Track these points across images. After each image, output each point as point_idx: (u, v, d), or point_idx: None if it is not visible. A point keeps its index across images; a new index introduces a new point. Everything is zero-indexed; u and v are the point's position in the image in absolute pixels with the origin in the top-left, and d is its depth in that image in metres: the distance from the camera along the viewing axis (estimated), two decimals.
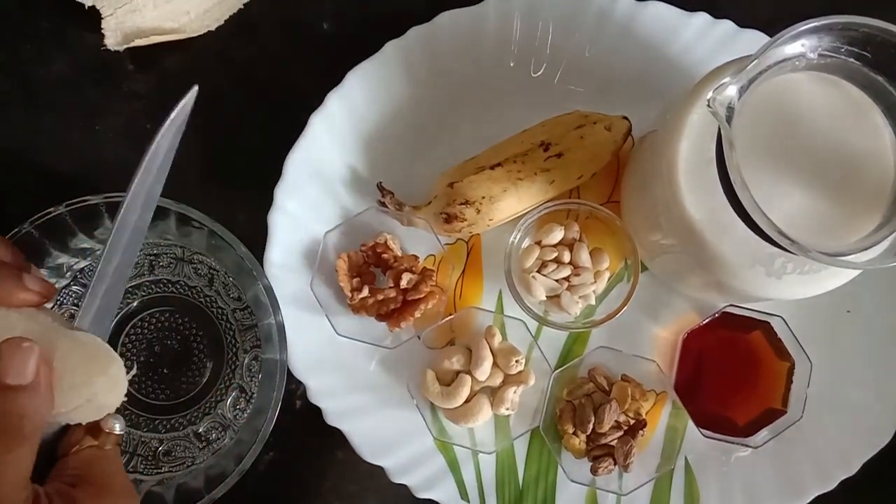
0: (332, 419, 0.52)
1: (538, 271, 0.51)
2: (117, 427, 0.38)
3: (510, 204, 0.50)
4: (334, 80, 0.53)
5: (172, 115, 0.41)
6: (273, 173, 0.52)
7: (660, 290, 0.54)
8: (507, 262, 0.51)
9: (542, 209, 0.51)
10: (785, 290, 0.43)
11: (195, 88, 0.41)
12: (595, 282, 0.52)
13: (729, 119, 0.37)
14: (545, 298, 0.52)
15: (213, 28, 0.56)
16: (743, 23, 0.54)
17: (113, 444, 0.38)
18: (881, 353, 0.54)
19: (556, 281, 0.51)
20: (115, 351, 0.42)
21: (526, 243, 0.52)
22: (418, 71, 0.54)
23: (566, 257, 0.52)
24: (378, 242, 0.52)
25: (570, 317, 0.52)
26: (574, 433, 0.52)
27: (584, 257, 0.52)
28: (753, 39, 0.54)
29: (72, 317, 0.45)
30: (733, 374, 0.53)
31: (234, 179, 0.56)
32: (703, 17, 0.54)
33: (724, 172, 0.39)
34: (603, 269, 0.52)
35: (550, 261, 0.51)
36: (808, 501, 0.52)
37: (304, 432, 0.54)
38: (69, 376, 0.35)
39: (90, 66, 0.56)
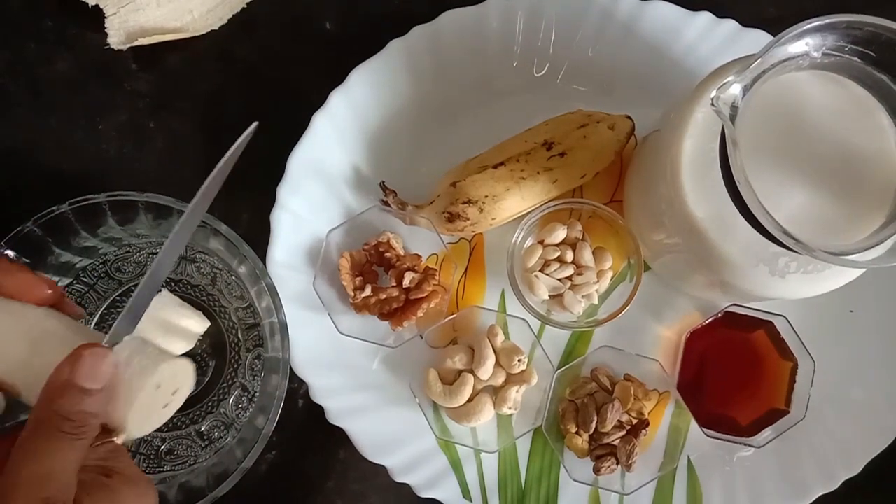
0: (335, 418, 0.52)
1: (541, 270, 0.51)
2: None
3: (513, 203, 0.50)
4: (337, 79, 0.53)
5: (234, 146, 0.43)
6: (276, 172, 0.52)
7: (663, 290, 0.54)
8: (510, 262, 0.51)
9: (544, 208, 0.51)
10: (788, 289, 0.43)
11: (255, 124, 0.42)
12: (598, 281, 0.52)
13: (733, 118, 0.37)
14: (548, 298, 0.51)
15: (216, 27, 0.56)
16: (746, 22, 0.54)
17: (125, 439, 0.39)
18: (884, 353, 0.54)
19: (559, 280, 0.51)
20: None
21: (529, 242, 0.52)
22: (421, 70, 0.54)
23: (569, 256, 0.52)
24: (381, 241, 0.52)
25: (573, 316, 0.52)
26: (577, 432, 0.52)
27: (587, 256, 0.51)
28: (757, 39, 0.53)
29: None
30: (736, 373, 0.53)
31: (238, 178, 0.55)
32: (706, 17, 0.54)
33: (727, 171, 0.39)
34: (606, 268, 0.52)
35: (553, 260, 0.51)
36: (812, 501, 0.52)
37: (307, 431, 0.54)
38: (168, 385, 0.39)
39: (93, 66, 0.56)
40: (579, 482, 0.51)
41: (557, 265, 0.51)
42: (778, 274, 0.42)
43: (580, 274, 0.51)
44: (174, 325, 0.51)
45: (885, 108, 0.40)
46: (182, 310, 0.52)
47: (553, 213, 0.52)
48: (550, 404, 0.51)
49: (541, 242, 0.52)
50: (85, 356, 0.35)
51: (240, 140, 0.42)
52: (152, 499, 0.38)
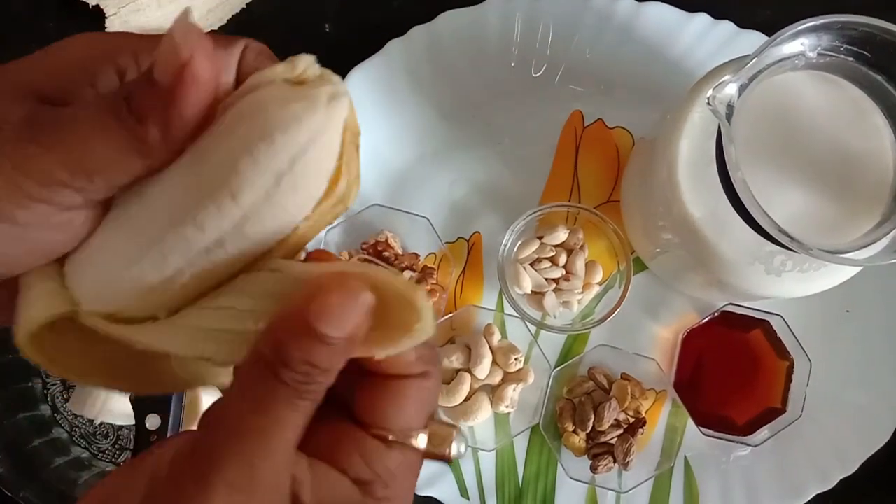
0: None
1: (531, 265, 0.52)
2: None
3: None
4: None
5: None
6: None
7: (660, 290, 0.54)
8: (503, 249, 0.51)
9: (539, 211, 0.51)
10: (784, 288, 0.43)
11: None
12: (582, 292, 0.52)
13: (729, 117, 0.37)
14: (529, 292, 0.52)
15: (215, 28, 0.56)
16: (743, 24, 0.54)
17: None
18: (880, 353, 0.54)
19: (545, 279, 0.51)
20: None
21: (521, 242, 0.52)
22: (420, 70, 0.54)
23: (562, 260, 0.52)
24: (379, 240, 0.52)
25: (551, 318, 0.52)
26: (574, 431, 0.52)
27: (580, 265, 0.52)
28: (753, 40, 0.54)
29: None
30: (733, 372, 0.53)
31: None
32: (703, 18, 0.54)
33: (724, 170, 0.39)
34: (593, 282, 0.52)
35: (546, 258, 0.52)
36: (807, 500, 0.52)
37: None
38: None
39: None
40: (576, 480, 0.51)
41: (549, 264, 0.52)
42: (774, 272, 0.42)
43: (567, 280, 0.52)
44: None
45: (879, 108, 0.40)
46: None
47: (550, 215, 0.52)
48: (548, 403, 0.52)
49: (540, 238, 0.52)
50: (334, 294, 0.23)
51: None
52: None
